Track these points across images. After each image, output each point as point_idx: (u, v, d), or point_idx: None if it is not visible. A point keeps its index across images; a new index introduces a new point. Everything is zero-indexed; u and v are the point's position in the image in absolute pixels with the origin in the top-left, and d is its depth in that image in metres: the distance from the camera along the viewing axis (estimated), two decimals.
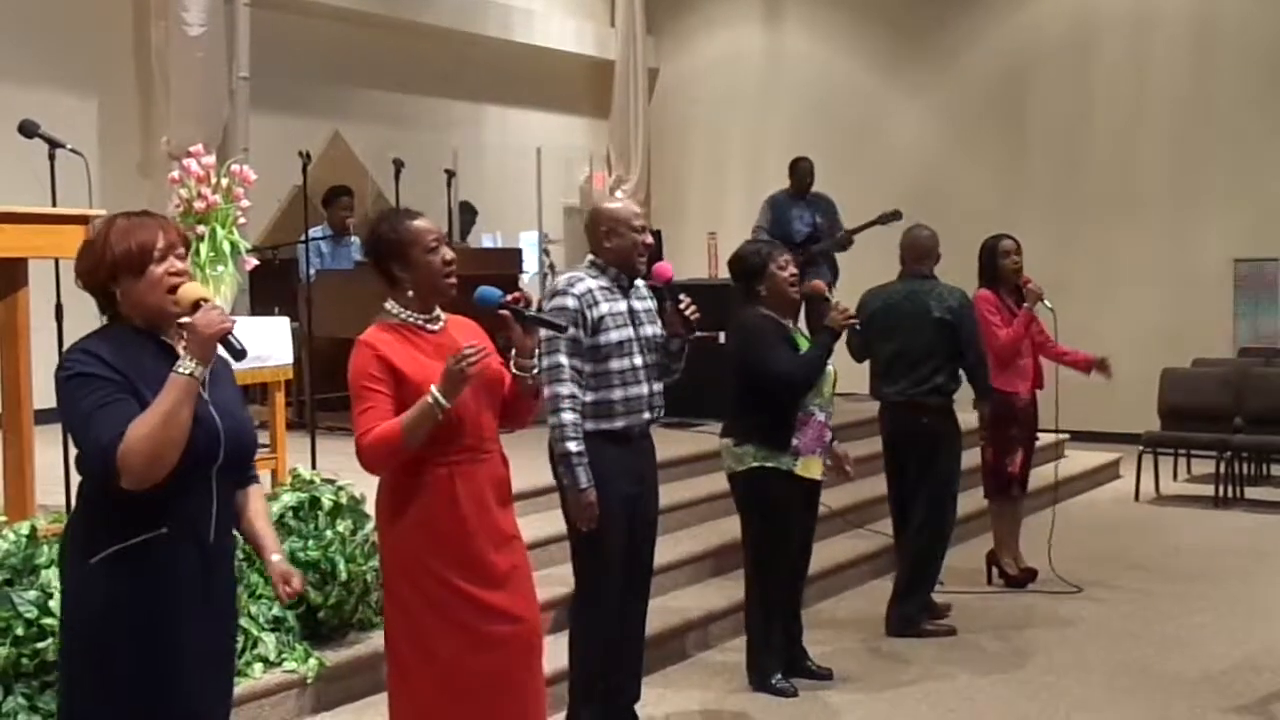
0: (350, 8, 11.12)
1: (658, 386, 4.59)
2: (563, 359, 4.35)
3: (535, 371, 3.67)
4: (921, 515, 6.18)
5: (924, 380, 6.11)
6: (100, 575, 2.75)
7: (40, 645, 4.06)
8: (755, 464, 5.25)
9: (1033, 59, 12.57)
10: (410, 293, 3.58)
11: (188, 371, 2.70)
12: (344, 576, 4.92)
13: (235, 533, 3.03)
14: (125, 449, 2.64)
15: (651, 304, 4.63)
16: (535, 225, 11.49)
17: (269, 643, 4.69)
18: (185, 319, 2.80)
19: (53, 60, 9.21)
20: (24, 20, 9.10)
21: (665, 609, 5.86)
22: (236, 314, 4.48)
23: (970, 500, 7.43)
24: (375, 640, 4.92)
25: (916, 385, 6.12)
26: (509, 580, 3.58)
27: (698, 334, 4.63)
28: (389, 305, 3.60)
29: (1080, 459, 10.30)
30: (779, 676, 5.42)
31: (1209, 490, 9.66)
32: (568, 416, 4.34)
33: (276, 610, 4.77)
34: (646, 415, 4.55)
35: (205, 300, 2.80)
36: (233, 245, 5.54)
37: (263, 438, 5.98)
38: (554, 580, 5.25)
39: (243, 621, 4.54)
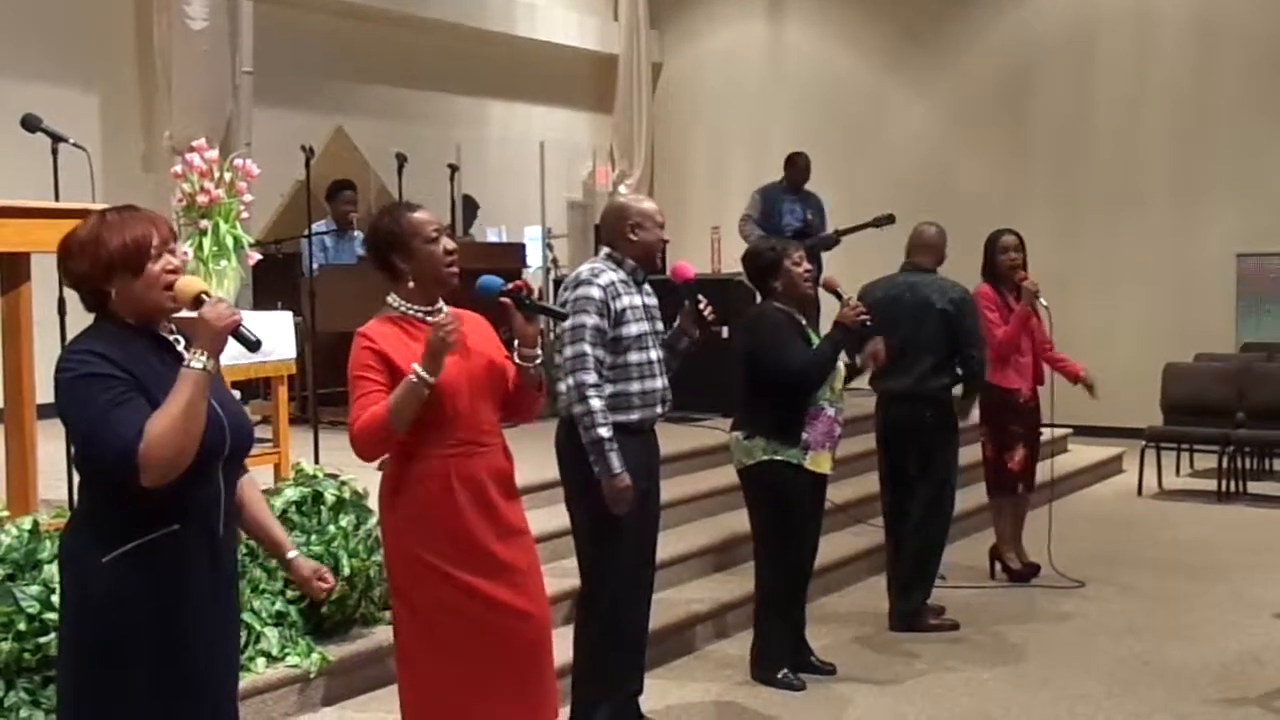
0: (353, 2, 11.13)
1: (667, 381, 4.60)
2: (586, 348, 4.35)
3: (538, 361, 3.67)
4: (921, 511, 6.17)
5: (926, 373, 6.08)
6: (113, 572, 2.73)
7: (42, 640, 4.06)
8: (765, 457, 5.25)
9: (1035, 54, 12.57)
10: (412, 284, 3.59)
11: (200, 366, 2.69)
12: (347, 571, 4.92)
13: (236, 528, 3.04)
14: (146, 447, 2.61)
15: (655, 300, 4.63)
16: (539, 220, 11.47)
17: (272, 637, 4.69)
18: (188, 313, 2.79)
19: (56, 55, 9.22)
20: (27, 15, 9.11)
21: (670, 603, 5.86)
22: (239, 308, 4.47)
23: (973, 496, 7.44)
24: (378, 635, 4.94)
25: (918, 379, 6.09)
26: (516, 573, 3.58)
27: None
28: (390, 299, 3.62)
29: (1083, 454, 10.32)
30: (785, 670, 5.42)
31: (1211, 485, 9.67)
32: (595, 403, 4.33)
33: (279, 605, 4.77)
34: (659, 409, 4.56)
35: (206, 294, 2.79)
36: (235, 240, 5.55)
37: (265, 432, 6.03)
38: (560, 573, 5.25)
39: (246, 616, 4.55)
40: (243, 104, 9.60)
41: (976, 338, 6.17)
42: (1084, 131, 12.32)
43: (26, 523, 4.41)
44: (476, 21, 12.32)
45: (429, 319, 3.57)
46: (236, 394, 3.17)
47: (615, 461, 4.32)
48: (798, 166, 9.91)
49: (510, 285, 3.66)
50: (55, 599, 4.05)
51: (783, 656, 5.45)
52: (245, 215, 5.62)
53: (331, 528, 5.02)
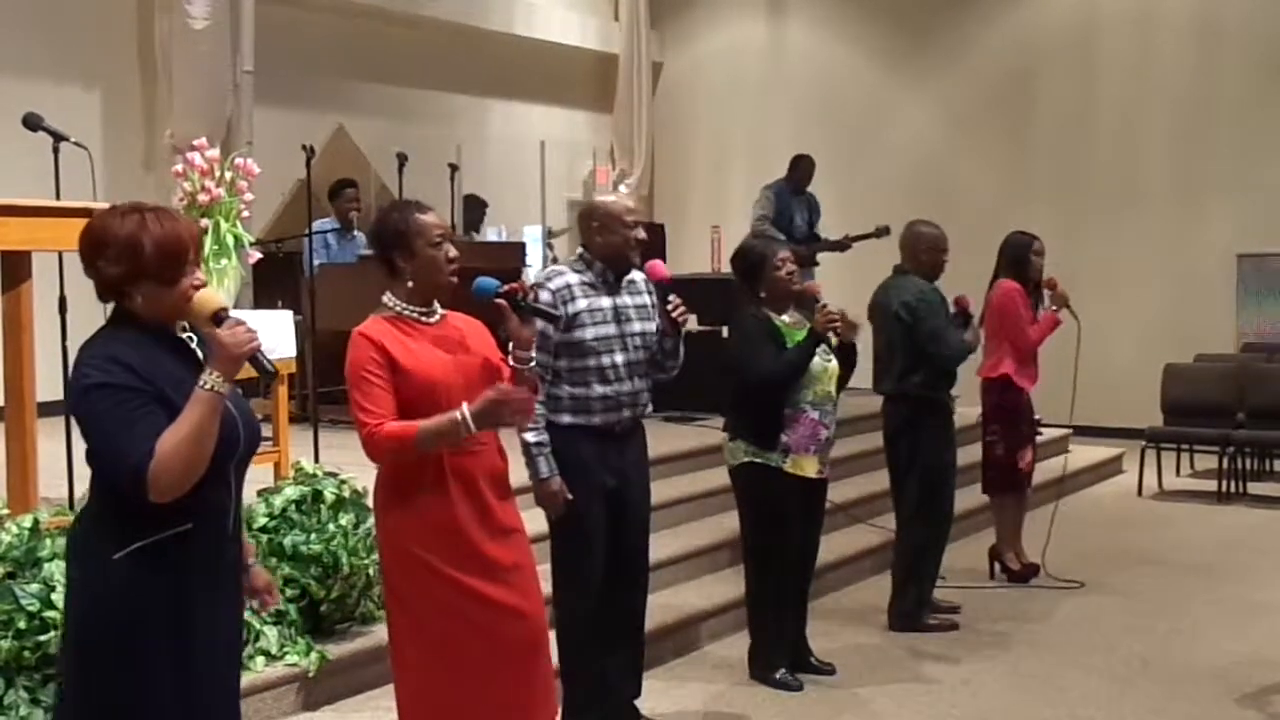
0: (354, 1, 11.12)
1: (643, 384, 4.56)
2: None
3: (532, 364, 3.68)
4: (908, 509, 6.19)
5: (902, 374, 6.12)
6: (125, 570, 2.72)
7: (42, 638, 4.06)
8: (746, 459, 5.27)
9: (1037, 54, 12.57)
10: (410, 284, 3.60)
11: (212, 388, 2.68)
12: (346, 570, 4.92)
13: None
14: (156, 466, 2.61)
15: (647, 300, 4.60)
16: (539, 219, 11.49)
17: (271, 636, 4.70)
18: (206, 330, 2.76)
19: (57, 54, 9.22)
20: (29, 14, 9.11)
21: (668, 603, 5.86)
22: (240, 307, 4.48)
23: (972, 496, 7.43)
24: (377, 634, 4.93)
25: (897, 379, 6.14)
26: (509, 573, 3.58)
27: (700, 328, 4.61)
28: (386, 298, 3.63)
29: (1083, 454, 10.31)
30: (783, 671, 5.41)
31: (1211, 485, 9.67)
32: None
33: (279, 604, 4.77)
34: (628, 412, 4.52)
35: (224, 311, 2.77)
36: (236, 238, 5.56)
37: (265, 431, 6.02)
38: None
39: (245, 615, 4.54)
40: (244, 103, 9.60)
41: (936, 338, 6.10)
42: (1084, 132, 12.32)
43: (27, 521, 4.42)
44: (477, 21, 12.32)
45: (424, 319, 3.59)
46: (238, 391, 3.17)
47: (543, 466, 4.36)
48: (802, 169, 9.95)
49: (506, 287, 3.67)
50: (55, 597, 4.05)
51: (778, 656, 5.44)
52: (246, 214, 5.63)
53: (331, 526, 5.01)
